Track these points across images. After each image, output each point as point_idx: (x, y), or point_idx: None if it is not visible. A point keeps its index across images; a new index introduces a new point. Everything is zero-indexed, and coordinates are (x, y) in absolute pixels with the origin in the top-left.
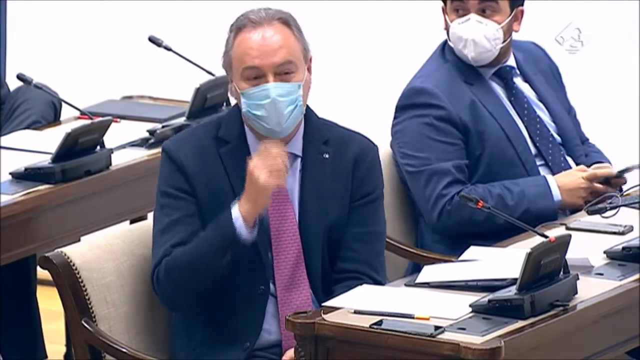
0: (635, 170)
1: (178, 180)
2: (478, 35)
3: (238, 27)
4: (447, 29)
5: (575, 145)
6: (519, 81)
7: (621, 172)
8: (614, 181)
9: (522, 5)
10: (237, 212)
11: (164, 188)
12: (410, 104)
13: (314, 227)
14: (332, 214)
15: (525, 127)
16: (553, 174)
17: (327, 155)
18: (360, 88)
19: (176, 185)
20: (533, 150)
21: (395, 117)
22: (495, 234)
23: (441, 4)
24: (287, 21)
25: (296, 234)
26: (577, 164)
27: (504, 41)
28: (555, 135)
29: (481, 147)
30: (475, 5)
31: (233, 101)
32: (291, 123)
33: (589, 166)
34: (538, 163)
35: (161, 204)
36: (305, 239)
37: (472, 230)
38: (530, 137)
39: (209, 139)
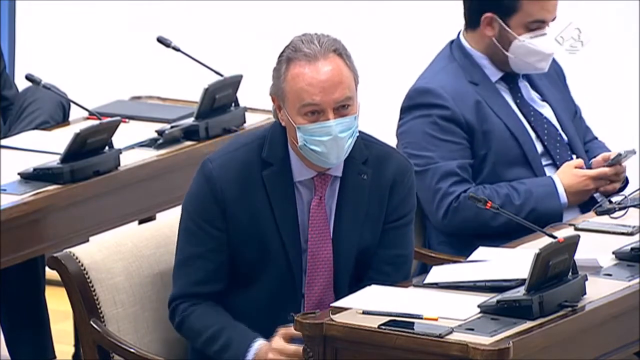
0: (630, 156)
1: (212, 212)
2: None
3: (290, 59)
4: (508, 40)
5: (579, 149)
6: (524, 84)
7: (615, 160)
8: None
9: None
10: (252, 355)
11: (194, 214)
12: (415, 104)
13: (347, 250)
14: (366, 236)
15: (532, 127)
16: None
17: (365, 177)
18: (366, 90)
19: (208, 218)
20: (540, 149)
21: (400, 119)
22: (501, 234)
23: (452, 6)
24: (340, 52)
25: (330, 259)
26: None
27: None
28: (564, 135)
29: (486, 146)
30: (550, 22)
31: (242, 101)
32: (347, 153)
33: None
34: (545, 162)
35: (187, 228)
36: (337, 262)
37: (476, 230)
38: (538, 137)
39: (252, 160)
